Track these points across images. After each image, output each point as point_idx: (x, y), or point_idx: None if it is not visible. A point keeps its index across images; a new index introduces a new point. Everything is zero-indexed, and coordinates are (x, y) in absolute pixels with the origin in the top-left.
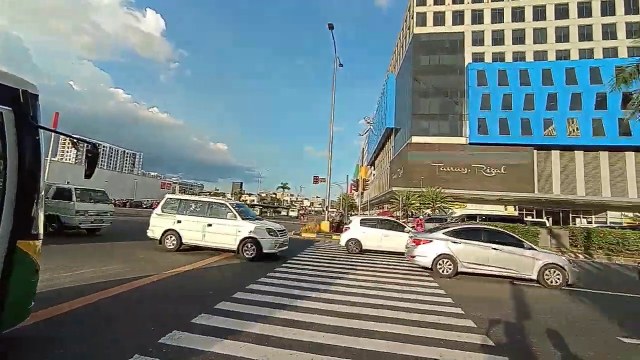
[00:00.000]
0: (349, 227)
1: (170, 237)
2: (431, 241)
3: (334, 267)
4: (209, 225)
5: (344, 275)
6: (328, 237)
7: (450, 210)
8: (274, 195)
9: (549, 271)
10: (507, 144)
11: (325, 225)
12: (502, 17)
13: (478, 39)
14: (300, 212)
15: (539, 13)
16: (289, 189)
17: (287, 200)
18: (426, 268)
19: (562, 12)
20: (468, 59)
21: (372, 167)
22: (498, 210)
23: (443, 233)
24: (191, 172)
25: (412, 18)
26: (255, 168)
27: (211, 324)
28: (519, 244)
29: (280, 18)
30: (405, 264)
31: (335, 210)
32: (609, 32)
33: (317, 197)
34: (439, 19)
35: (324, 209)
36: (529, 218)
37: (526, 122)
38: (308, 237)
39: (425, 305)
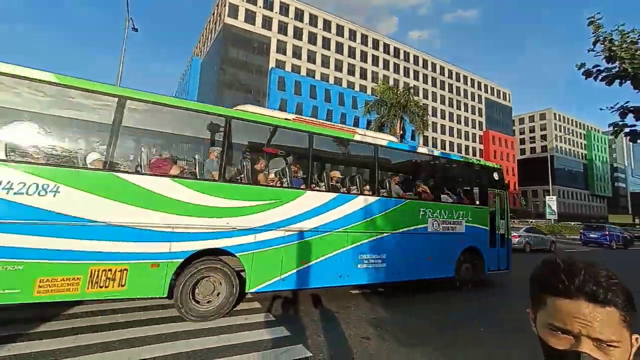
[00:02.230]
0: (520, 234)
1: None
2: (520, 236)
3: None
4: None
5: None
6: None
7: None
8: None
9: None
10: None
11: None
12: (301, 36)
13: (282, 48)
14: None
15: (326, 43)
16: None
17: None
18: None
19: (339, 48)
20: (272, 63)
21: None
22: None
23: (524, 230)
24: None
25: (225, 6)
26: None
27: None
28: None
29: None
30: None
31: None
32: (363, 74)
33: None
34: (250, 17)
35: None
36: None
37: None
38: None
39: None
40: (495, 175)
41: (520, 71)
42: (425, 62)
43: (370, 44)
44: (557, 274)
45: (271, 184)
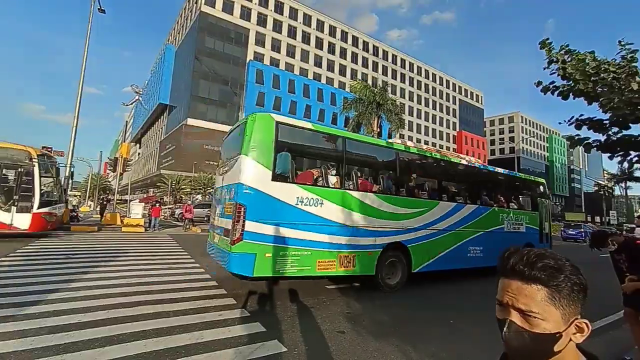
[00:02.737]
0: None
1: None
2: None
3: None
4: None
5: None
6: (64, 230)
7: None
8: None
9: None
10: None
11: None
12: (280, 29)
13: (260, 41)
14: None
15: (306, 38)
16: None
17: None
18: None
19: (319, 44)
20: (250, 55)
21: (138, 145)
22: None
23: None
24: None
25: None
26: None
27: None
28: None
29: None
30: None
31: (77, 194)
32: (342, 70)
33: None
34: (228, 6)
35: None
36: None
37: None
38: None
39: (192, 292)
40: (542, 188)
41: (492, 74)
42: (403, 61)
43: (350, 41)
44: (502, 259)
45: (422, 197)
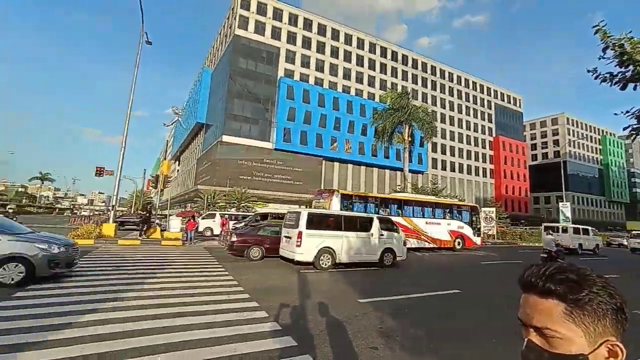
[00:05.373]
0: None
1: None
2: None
3: None
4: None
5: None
6: (112, 243)
7: (254, 209)
8: (22, 189)
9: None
10: (304, 153)
11: (109, 228)
12: (310, 45)
13: (290, 58)
14: (77, 211)
15: (335, 52)
16: (52, 181)
17: (48, 197)
18: None
19: (347, 56)
20: (281, 72)
21: (177, 163)
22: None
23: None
24: None
25: (235, 19)
26: None
27: None
28: None
29: None
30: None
31: (124, 210)
32: (371, 81)
33: (99, 192)
34: (259, 28)
35: (109, 207)
36: None
37: (319, 137)
38: (81, 244)
39: (224, 305)
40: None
41: (530, 77)
42: (433, 68)
43: (378, 51)
44: (522, 273)
45: None
